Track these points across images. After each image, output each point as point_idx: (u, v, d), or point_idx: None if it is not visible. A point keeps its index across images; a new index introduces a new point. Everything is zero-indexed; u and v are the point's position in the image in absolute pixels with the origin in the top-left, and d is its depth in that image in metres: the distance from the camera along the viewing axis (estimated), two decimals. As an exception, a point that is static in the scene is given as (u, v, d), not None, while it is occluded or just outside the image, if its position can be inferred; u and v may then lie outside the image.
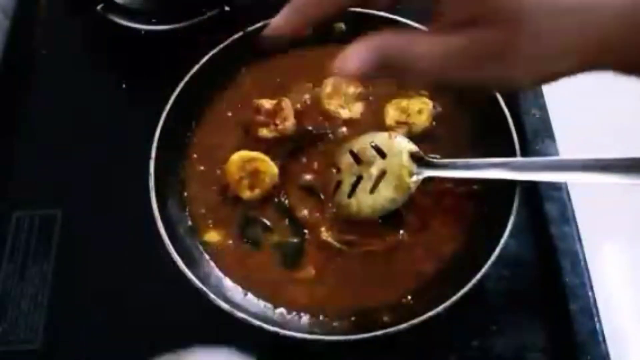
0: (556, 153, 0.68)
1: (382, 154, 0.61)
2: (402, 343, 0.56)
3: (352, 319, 0.57)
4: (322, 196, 0.62)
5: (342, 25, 0.71)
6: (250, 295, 0.58)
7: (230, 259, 0.60)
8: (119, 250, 0.64)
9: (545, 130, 0.69)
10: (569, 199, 0.65)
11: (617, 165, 0.53)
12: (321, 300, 0.58)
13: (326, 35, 0.70)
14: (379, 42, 0.38)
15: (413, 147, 0.61)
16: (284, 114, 0.66)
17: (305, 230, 0.61)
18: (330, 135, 0.66)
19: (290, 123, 0.66)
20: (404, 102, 0.66)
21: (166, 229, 0.57)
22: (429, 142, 0.64)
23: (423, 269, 0.58)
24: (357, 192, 0.60)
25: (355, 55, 0.38)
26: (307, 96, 0.68)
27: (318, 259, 0.59)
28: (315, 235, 0.60)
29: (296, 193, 0.63)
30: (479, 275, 0.53)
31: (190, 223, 0.62)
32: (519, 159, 0.59)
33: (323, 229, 0.60)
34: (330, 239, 0.60)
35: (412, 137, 0.63)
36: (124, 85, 0.77)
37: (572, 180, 0.62)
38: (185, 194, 0.64)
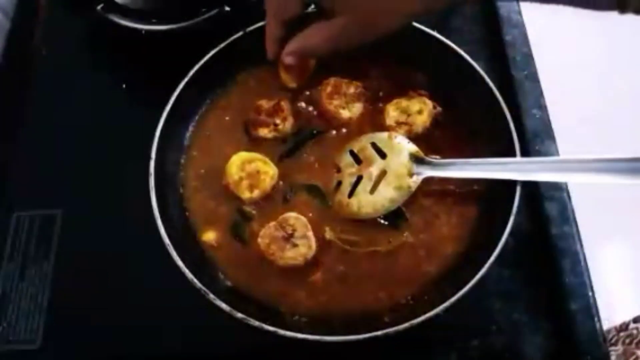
0: (556, 153, 0.68)
1: (382, 154, 0.61)
2: (402, 343, 0.56)
3: (353, 319, 0.57)
4: (328, 198, 0.62)
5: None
6: (250, 296, 0.58)
7: (230, 258, 0.60)
8: (119, 250, 0.64)
9: (545, 130, 0.69)
10: (569, 199, 0.65)
11: (617, 165, 0.53)
12: (323, 300, 0.58)
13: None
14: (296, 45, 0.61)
15: (413, 147, 0.61)
16: (283, 114, 0.66)
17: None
18: (331, 135, 0.66)
19: (290, 123, 0.66)
20: (404, 102, 0.65)
21: (166, 229, 0.57)
22: (429, 142, 0.64)
23: (426, 270, 0.58)
24: (358, 192, 0.60)
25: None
26: (307, 96, 0.68)
27: (321, 259, 0.59)
28: (319, 235, 0.60)
29: (297, 193, 0.63)
30: (479, 275, 0.53)
31: (190, 223, 0.62)
32: (519, 159, 0.59)
33: (327, 228, 0.60)
34: (334, 239, 0.60)
35: (412, 137, 0.63)
36: (124, 85, 0.77)
37: (572, 180, 0.62)
38: (185, 193, 0.64)
